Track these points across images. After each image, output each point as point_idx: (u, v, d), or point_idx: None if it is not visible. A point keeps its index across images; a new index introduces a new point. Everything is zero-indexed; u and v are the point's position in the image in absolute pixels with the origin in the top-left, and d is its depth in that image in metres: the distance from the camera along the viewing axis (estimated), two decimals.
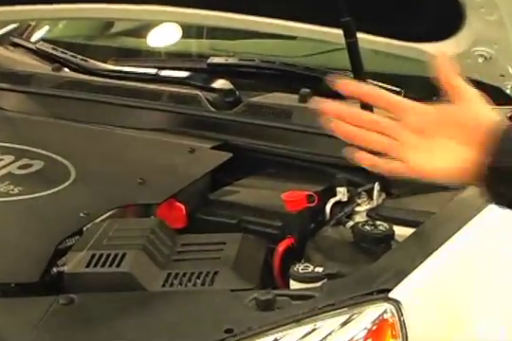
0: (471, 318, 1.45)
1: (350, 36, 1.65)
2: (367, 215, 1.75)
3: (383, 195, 1.80)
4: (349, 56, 1.68)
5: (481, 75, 1.77)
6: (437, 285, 1.45)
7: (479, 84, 1.75)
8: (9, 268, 1.58)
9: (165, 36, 2.58)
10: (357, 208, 1.78)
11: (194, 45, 2.68)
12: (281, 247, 1.70)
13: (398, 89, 1.96)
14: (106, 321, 1.45)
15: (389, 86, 1.94)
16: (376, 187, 1.79)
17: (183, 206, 1.82)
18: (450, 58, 1.69)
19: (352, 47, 1.66)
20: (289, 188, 1.80)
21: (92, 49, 2.67)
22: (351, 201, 1.80)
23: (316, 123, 1.95)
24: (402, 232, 1.63)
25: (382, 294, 1.37)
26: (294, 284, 1.55)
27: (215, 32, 2.59)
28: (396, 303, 1.36)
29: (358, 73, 1.68)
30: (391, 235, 1.63)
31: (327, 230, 1.72)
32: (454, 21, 1.71)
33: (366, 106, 1.65)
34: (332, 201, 1.80)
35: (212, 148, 1.98)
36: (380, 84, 1.94)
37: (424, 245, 1.51)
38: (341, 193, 1.80)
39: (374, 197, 1.79)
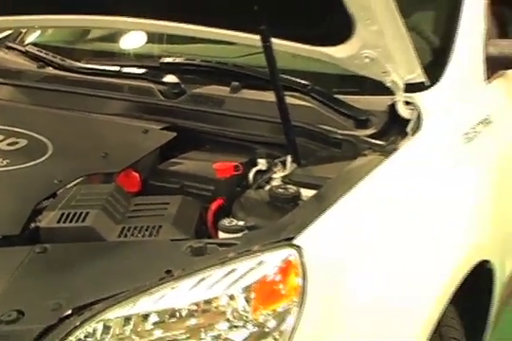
0: (356, 262, 1.44)
1: (266, 41, 1.63)
2: (281, 181, 1.73)
3: (294, 165, 1.78)
4: (265, 56, 1.65)
5: (368, 72, 1.78)
6: (332, 234, 1.44)
7: (368, 79, 1.80)
8: None
9: (132, 41, 2.53)
10: (274, 175, 1.77)
11: (155, 49, 2.62)
12: (213, 206, 1.69)
13: (306, 83, 1.95)
14: (74, 265, 1.43)
15: (298, 80, 1.94)
16: (289, 158, 1.77)
17: (137, 175, 1.80)
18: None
19: (268, 50, 1.64)
20: (220, 160, 1.79)
21: (73, 51, 2.61)
22: (269, 169, 1.79)
23: (243, 109, 1.98)
24: (307, 193, 1.62)
25: (288, 241, 1.36)
26: (222, 235, 1.55)
27: (172, 39, 2.54)
28: (299, 248, 1.35)
29: (272, 70, 1.66)
30: (298, 196, 1.62)
31: (250, 193, 1.71)
32: (347, 30, 1.69)
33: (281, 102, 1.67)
34: (254, 170, 1.79)
35: (162, 129, 1.95)
36: (291, 79, 1.94)
37: (322, 203, 1.50)
38: (261, 164, 1.80)
39: (287, 166, 1.77)
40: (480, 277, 1.77)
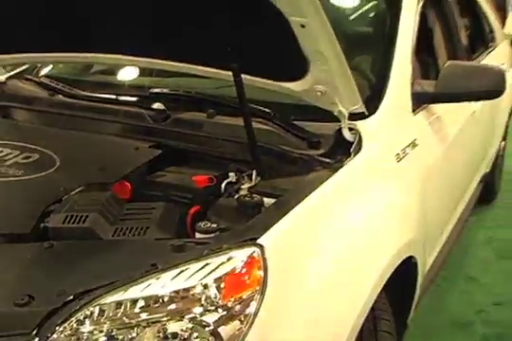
0: (308, 258, 1.43)
1: (237, 76, 1.62)
2: (248, 191, 1.71)
3: (258, 178, 1.76)
4: (236, 89, 1.64)
5: (320, 103, 1.77)
6: (289, 235, 1.43)
7: (319, 109, 1.80)
8: (10, 223, 1.52)
9: (127, 74, 2.50)
10: (242, 186, 1.74)
11: (146, 81, 2.59)
12: (191, 211, 1.66)
13: (269, 111, 1.94)
14: (75, 259, 1.41)
15: (263, 109, 1.93)
16: (254, 172, 1.75)
17: (129, 184, 1.76)
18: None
19: (238, 83, 1.63)
20: (198, 173, 1.77)
21: (79, 82, 2.55)
22: (238, 181, 1.77)
23: (217, 132, 1.96)
24: (269, 201, 1.61)
25: (252, 241, 1.35)
26: (198, 235, 1.52)
27: (160, 73, 2.50)
28: (261, 247, 1.34)
29: (242, 100, 1.65)
30: (261, 203, 1.61)
31: (222, 200, 1.69)
32: (303, 69, 1.69)
33: (249, 126, 1.65)
34: (225, 181, 1.77)
35: (150, 147, 1.92)
36: (257, 107, 1.92)
37: (281, 210, 1.49)
38: (232, 176, 1.77)
39: (253, 179, 1.75)
40: (406, 269, 1.77)
